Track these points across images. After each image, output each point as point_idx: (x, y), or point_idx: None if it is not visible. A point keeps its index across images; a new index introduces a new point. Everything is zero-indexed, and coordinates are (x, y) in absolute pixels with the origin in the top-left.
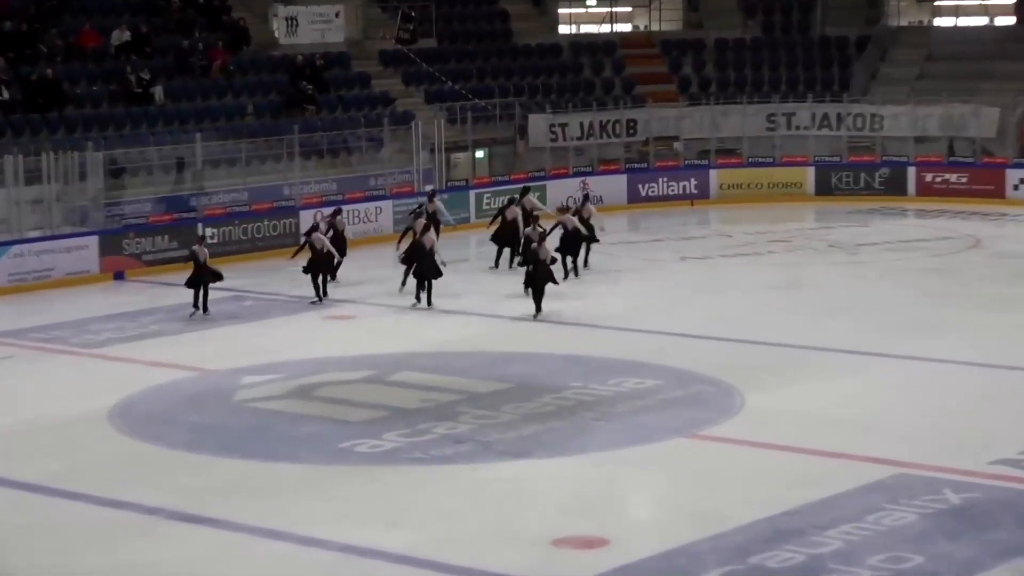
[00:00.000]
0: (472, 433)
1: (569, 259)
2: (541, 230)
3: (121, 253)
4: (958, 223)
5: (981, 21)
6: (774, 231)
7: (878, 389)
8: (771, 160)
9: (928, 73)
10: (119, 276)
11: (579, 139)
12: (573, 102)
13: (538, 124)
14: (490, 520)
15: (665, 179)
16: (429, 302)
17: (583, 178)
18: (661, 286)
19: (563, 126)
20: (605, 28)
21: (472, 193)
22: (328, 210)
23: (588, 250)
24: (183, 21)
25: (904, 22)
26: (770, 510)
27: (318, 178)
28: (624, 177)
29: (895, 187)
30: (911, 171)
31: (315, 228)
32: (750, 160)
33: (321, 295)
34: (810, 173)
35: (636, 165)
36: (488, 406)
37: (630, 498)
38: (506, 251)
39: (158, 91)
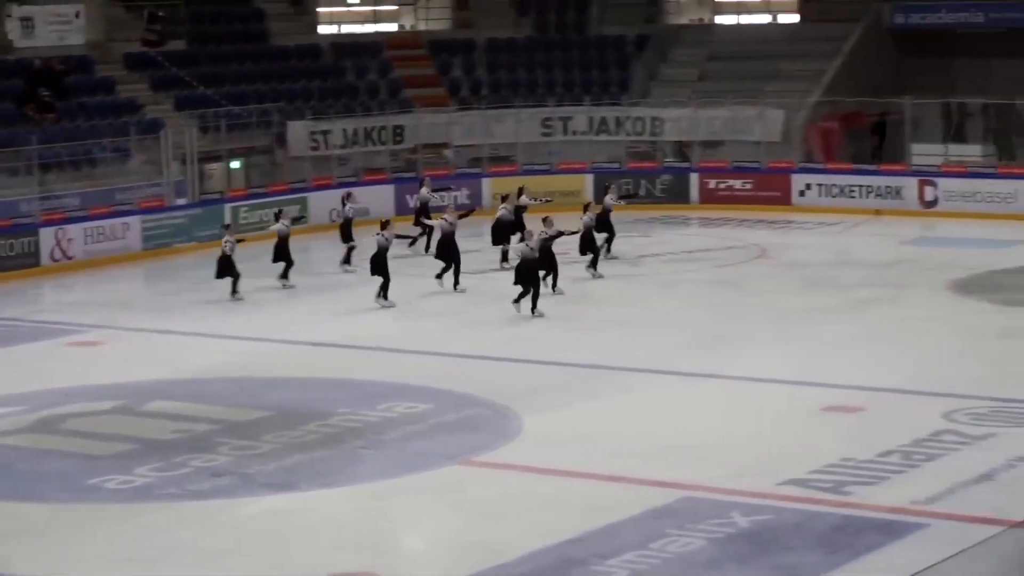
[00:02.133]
0: (231, 465)
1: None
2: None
3: None
4: (743, 231)
5: (764, 19)
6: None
7: (664, 409)
8: (547, 167)
9: (710, 74)
10: None
11: (342, 147)
12: (335, 108)
13: (298, 132)
14: (256, 558)
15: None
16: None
17: (347, 189)
18: (435, 306)
19: (325, 133)
20: (369, 28)
21: (228, 206)
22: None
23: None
24: None
25: (684, 20)
26: (552, 539)
27: (59, 192)
28: (391, 187)
29: (678, 194)
30: (694, 177)
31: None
32: (525, 167)
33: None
34: (588, 180)
35: (404, 174)
36: (248, 436)
37: (405, 530)
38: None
39: None
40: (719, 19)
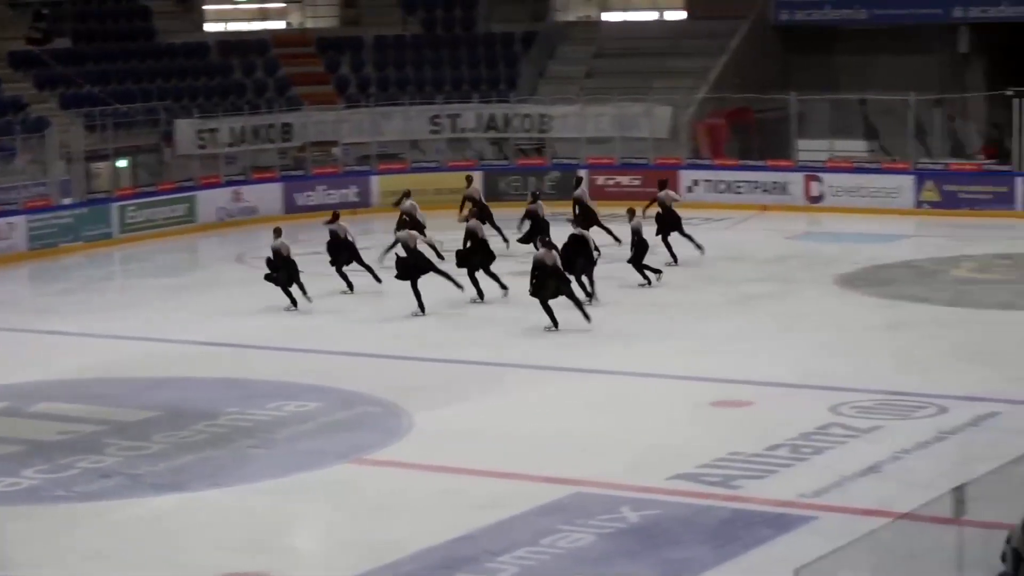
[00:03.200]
0: (120, 466)
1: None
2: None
3: None
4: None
5: (651, 16)
6: (442, 240)
7: (554, 405)
8: (436, 165)
9: (598, 71)
10: None
11: (230, 145)
12: (223, 106)
13: (185, 130)
14: (145, 559)
15: (324, 187)
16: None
17: (235, 188)
18: (322, 303)
19: (213, 132)
20: (256, 26)
21: (115, 206)
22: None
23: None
24: None
25: (572, 17)
26: (443, 536)
27: None
28: (280, 186)
29: (567, 190)
30: (583, 174)
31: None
32: (414, 165)
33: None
34: (477, 178)
35: (293, 172)
36: (136, 436)
37: (296, 530)
38: None
39: None
40: (606, 16)
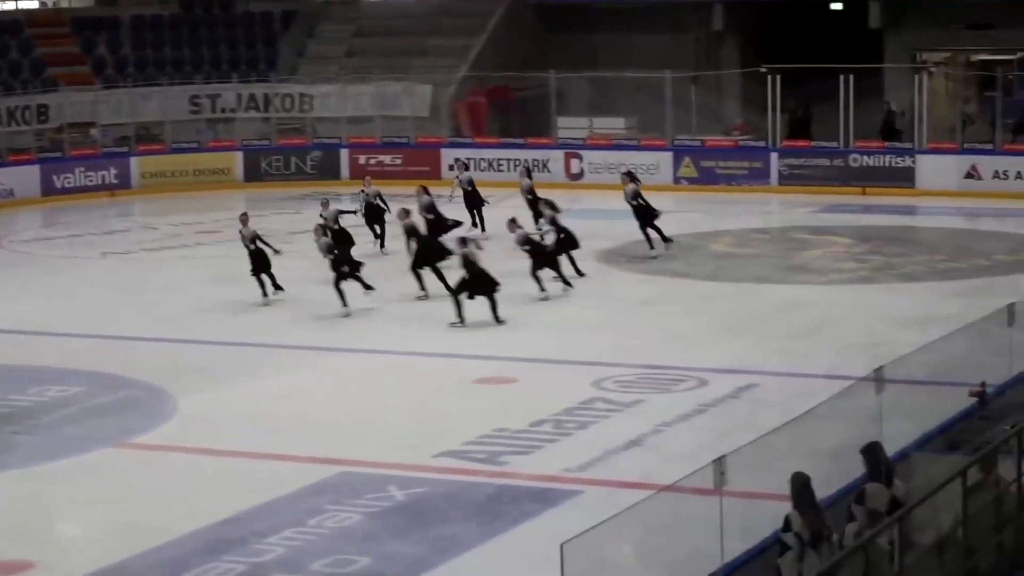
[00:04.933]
0: None
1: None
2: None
3: None
4: (393, 206)
5: None
6: (202, 221)
7: (321, 386)
8: (196, 145)
9: (358, 50)
10: None
11: None
12: None
13: None
14: None
15: (82, 169)
16: None
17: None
18: (81, 285)
19: None
20: (9, 5)
21: None
22: None
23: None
24: None
25: None
26: (208, 519)
27: None
28: (36, 168)
29: (328, 170)
30: (344, 153)
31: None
32: (173, 146)
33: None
34: (238, 158)
35: (50, 154)
36: None
37: (57, 516)
38: None
39: None
40: None
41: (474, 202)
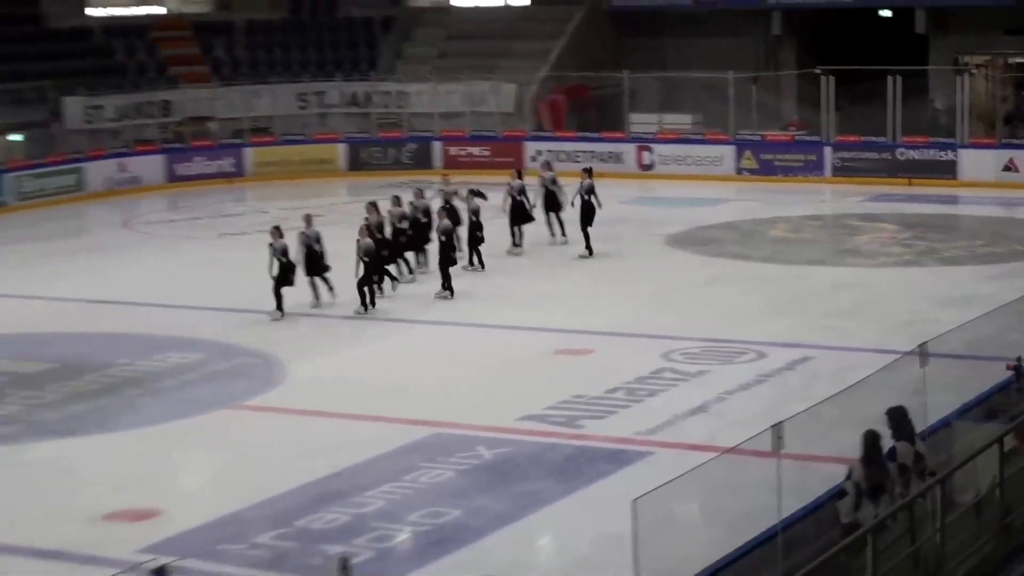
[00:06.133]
0: (19, 414)
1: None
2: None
3: None
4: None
5: (497, 2)
6: (308, 206)
7: (416, 355)
8: (303, 138)
9: (449, 52)
10: None
11: (115, 121)
12: (107, 85)
13: (73, 107)
14: (41, 499)
15: (202, 158)
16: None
17: (120, 159)
18: (200, 263)
19: (98, 108)
20: (137, 11)
21: (9, 176)
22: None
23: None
24: None
25: (425, 3)
26: (313, 475)
27: None
28: (161, 157)
29: (422, 161)
30: (436, 145)
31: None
32: (283, 138)
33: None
34: (341, 149)
35: (173, 145)
36: (34, 386)
37: (179, 470)
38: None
39: None
40: (456, 2)
41: (553, 205)
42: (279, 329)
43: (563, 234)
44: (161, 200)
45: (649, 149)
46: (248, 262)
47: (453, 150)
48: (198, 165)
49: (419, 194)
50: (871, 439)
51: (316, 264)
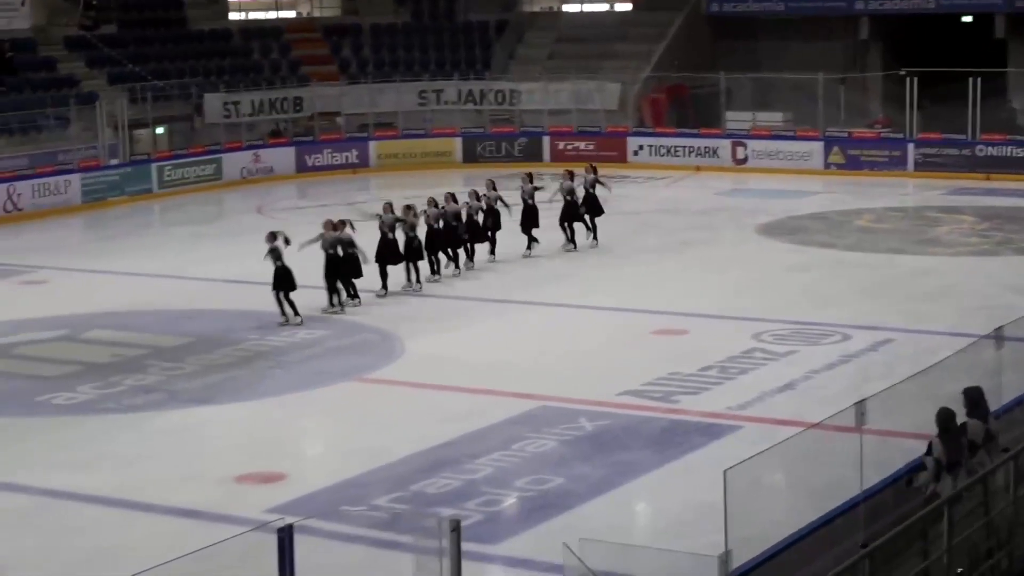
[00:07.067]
0: (160, 383)
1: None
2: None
3: None
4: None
5: (603, 7)
6: (427, 195)
7: (523, 334)
8: (423, 132)
9: (558, 54)
10: None
11: (250, 115)
12: (244, 82)
13: (213, 102)
14: (178, 461)
15: (329, 150)
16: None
17: (255, 151)
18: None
19: (236, 104)
20: (272, 15)
21: (154, 166)
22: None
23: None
24: None
25: (537, 8)
26: (428, 443)
27: (9, 155)
28: (292, 149)
29: (532, 154)
30: (546, 140)
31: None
32: (404, 132)
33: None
34: (458, 143)
35: (303, 138)
36: (173, 359)
37: (304, 437)
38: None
39: None
40: (566, 7)
41: (594, 208)
42: (397, 308)
43: (594, 238)
44: (292, 188)
45: (743, 144)
46: (372, 247)
47: (561, 144)
48: (326, 156)
49: (527, 179)
50: (946, 416)
51: (350, 266)
